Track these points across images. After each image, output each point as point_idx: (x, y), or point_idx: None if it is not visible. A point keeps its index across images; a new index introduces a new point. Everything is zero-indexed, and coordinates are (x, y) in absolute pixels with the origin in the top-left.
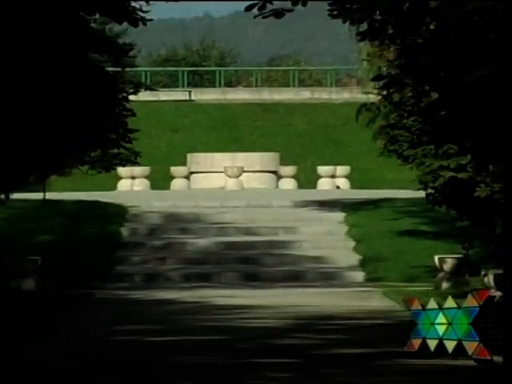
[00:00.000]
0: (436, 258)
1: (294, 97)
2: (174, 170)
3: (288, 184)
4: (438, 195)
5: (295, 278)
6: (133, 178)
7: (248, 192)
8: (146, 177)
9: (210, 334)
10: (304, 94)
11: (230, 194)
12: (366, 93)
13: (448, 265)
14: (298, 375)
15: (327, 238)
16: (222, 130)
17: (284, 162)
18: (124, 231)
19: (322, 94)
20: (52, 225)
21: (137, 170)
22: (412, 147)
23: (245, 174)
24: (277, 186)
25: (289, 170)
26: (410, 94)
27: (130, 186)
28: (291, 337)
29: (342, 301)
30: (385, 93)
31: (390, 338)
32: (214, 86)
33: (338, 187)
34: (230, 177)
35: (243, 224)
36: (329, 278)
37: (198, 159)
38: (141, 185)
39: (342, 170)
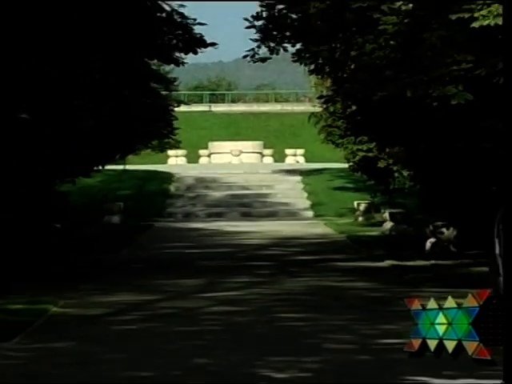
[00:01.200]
0: (355, 203)
1: (271, 108)
2: (201, 151)
3: (268, 160)
4: (356, 166)
5: (272, 215)
6: (176, 156)
7: (244, 165)
8: (185, 155)
9: (221, 248)
10: (277, 107)
11: (234, 166)
12: (314, 106)
13: (362, 207)
14: (274, 271)
15: (291, 192)
16: (229, 128)
17: (266, 146)
18: (171, 188)
19: (288, 107)
20: (129, 184)
21: (179, 151)
22: (341, 138)
23: (243, 154)
24: (261, 161)
25: (268, 151)
26: (340, 107)
27: (175, 161)
28: (270, 249)
29: (299, 228)
30: (325, 106)
31: (328, 249)
32: (224, 102)
33: (297, 162)
34: (233, 156)
35: (242, 183)
36: (292, 215)
37: (215, 145)
38: (181, 160)
39: (300, 151)
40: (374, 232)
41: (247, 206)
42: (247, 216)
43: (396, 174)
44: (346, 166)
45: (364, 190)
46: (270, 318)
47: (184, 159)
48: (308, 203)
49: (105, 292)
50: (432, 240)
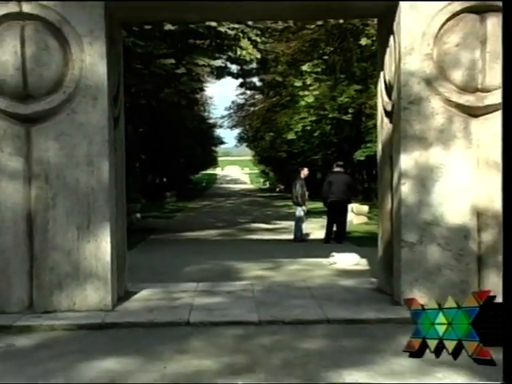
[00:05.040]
0: (261, 180)
1: (242, 158)
2: (225, 168)
3: (239, 171)
4: (262, 172)
5: (240, 183)
6: (218, 169)
7: (233, 172)
8: (221, 169)
9: (229, 191)
10: (242, 157)
11: (231, 172)
12: (251, 157)
13: (262, 182)
14: (241, 197)
15: (244, 178)
16: (231, 163)
17: (240, 167)
18: (217, 177)
19: (246, 157)
20: (206, 177)
21: (219, 168)
22: (258, 164)
23: (233, 169)
24: (238, 171)
25: (239, 169)
26: (258, 157)
27: (218, 170)
28: (240, 191)
29: (247, 187)
30: (255, 157)
31: (255, 191)
32: (229, 157)
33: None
34: (231, 170)
35: (233, 176)
36: (244, 183)
37: (228, 167)
38: (220, 170)
39: (248, 169)
40: (267, 187)
41: (234, 181)
42: (235, 183)
43: (271, 174)
44: (258, 171)
45: (264, 178)
46: (241, 208)
47: (220, 170)
48: (249, 180)
49: (202, 200)
50: (282, 187)
